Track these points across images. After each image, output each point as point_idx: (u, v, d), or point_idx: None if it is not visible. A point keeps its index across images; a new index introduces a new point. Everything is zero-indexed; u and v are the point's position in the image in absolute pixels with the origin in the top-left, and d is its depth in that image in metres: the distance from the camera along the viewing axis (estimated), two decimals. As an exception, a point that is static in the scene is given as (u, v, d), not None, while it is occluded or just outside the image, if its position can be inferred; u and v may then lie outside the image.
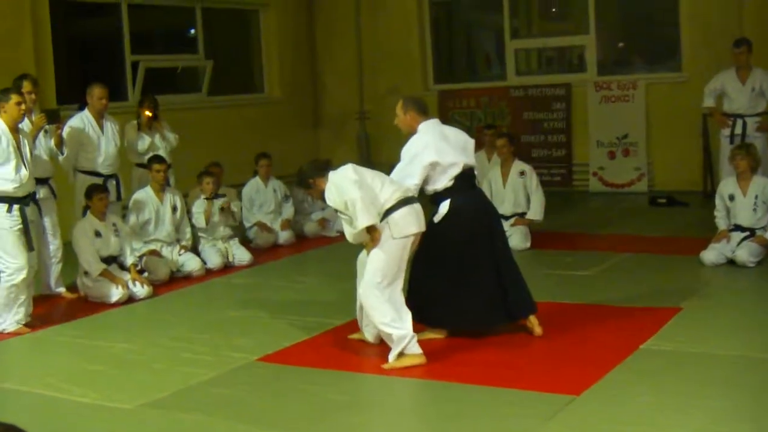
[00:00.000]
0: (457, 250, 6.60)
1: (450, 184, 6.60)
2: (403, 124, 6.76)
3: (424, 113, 6.78)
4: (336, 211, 6.53)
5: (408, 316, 6.20)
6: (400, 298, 6.25)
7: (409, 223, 6.20)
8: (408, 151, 6.61)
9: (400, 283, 6.27)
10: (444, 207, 6.61)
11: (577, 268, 8.87)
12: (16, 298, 7.52)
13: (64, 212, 9.10)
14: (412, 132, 6.70)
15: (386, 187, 6.25)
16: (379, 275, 6.14)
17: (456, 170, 6.60)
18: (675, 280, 8.27)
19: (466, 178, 6.71)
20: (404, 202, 6.22)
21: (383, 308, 6.14)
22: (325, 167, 6.46)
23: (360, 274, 6.46)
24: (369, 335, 6.60)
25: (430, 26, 15.18)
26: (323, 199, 6.44)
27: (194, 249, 9.75)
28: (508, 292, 6.73)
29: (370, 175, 6.35)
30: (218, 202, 9.93)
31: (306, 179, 6.50)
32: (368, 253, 6.27)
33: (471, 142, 6.86)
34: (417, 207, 6.29)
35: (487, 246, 6.73)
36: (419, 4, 15.00)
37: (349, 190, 6.12)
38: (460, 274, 6.61)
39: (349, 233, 6.33)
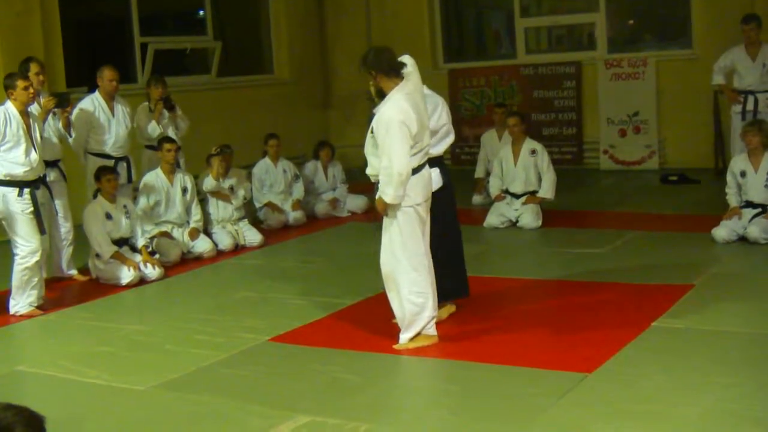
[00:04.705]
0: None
1: None
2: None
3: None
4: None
5: (434, 293, 6.14)
6: (425, 267, 6.09)
7: (417, 193, 6.00)
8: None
9: (424, 251, 6.09)
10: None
11: (589, 246, 8.85)
12: (29, 281, 7.55)
13: (75, 195, 9.12)
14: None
15: (413, 154, 5.93)
16: (399, 246, 6.01)
17: None
18: (686, 257, 8.25)
19: None
20: (419, 168, 6.01)
21: (411, 277, 6.03)
22: (397, 71, 6.01)
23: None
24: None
25: (439, 5, 15.13)
26: (378, 96, 6.11)
27: (205, 231, 9.76)
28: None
29: (420, 124, 5.95)
30: (228, 182, 9.97)
31: (369, 66, 6.05)
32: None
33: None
34: (426, 174, 6.10)
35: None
36: (428, -18, 14.98)
37: (397, 150, 5.81)
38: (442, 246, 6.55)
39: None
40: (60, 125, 8.58)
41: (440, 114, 6.70)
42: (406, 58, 6.21)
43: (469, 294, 6.93)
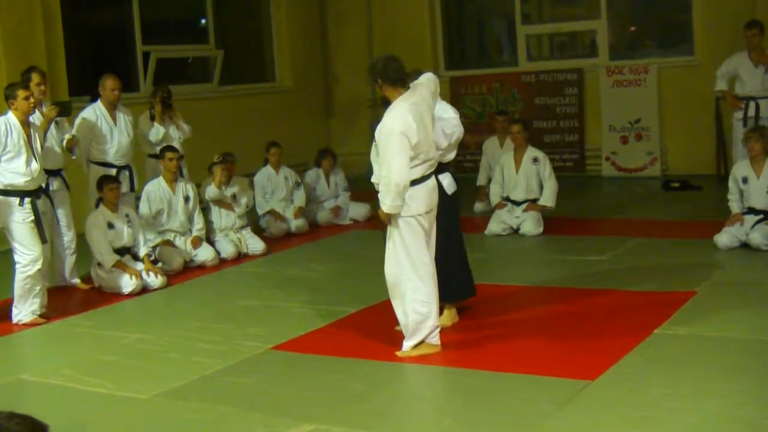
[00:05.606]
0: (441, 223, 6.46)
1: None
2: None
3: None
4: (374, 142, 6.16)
5: (437, 302, 6.15)
6: (429, 276, 6.10)
7: (419, 204, 6.00)
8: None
9: (429, 260, 6.10)
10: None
11: (591, 253, 8.85)
12: (31, 289, 7.56)
13: (77, 204, 9.13)
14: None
15: (415, 165, 5.95)
16: (403, 255, 6.01)
17: None
18: (689, 264, 8.24)
19: None
20: (423, 178, 6.02)
21: (415, 284, 6.03)
22: (403, 81, 6.05)
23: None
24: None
25: (441, 12, 15.15)
26: (383, 103, 6.12)
27: (207, 239, 9.77)
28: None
29: (424, 135, 5.98)
30: (230, 190, 9.99)
31: (376, 75, 6.09)
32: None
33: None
34: (430, 184, 6.10)
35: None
36: (430, -10, 15.00)
37: (395, 161, 5.83)
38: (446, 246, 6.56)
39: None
40: (64, 143, 8.57)
41: (458, 124, 6.80)
42: (428, 75, 6.37)
43: (475, 293, 7.01)
